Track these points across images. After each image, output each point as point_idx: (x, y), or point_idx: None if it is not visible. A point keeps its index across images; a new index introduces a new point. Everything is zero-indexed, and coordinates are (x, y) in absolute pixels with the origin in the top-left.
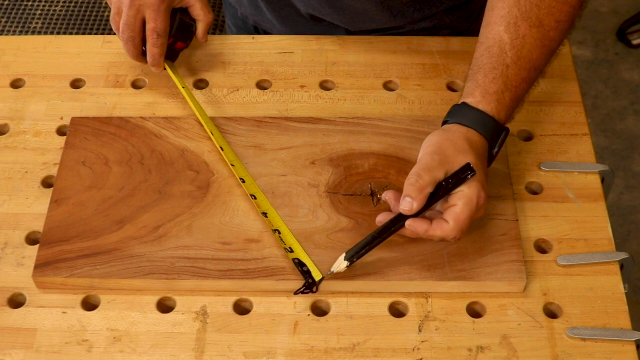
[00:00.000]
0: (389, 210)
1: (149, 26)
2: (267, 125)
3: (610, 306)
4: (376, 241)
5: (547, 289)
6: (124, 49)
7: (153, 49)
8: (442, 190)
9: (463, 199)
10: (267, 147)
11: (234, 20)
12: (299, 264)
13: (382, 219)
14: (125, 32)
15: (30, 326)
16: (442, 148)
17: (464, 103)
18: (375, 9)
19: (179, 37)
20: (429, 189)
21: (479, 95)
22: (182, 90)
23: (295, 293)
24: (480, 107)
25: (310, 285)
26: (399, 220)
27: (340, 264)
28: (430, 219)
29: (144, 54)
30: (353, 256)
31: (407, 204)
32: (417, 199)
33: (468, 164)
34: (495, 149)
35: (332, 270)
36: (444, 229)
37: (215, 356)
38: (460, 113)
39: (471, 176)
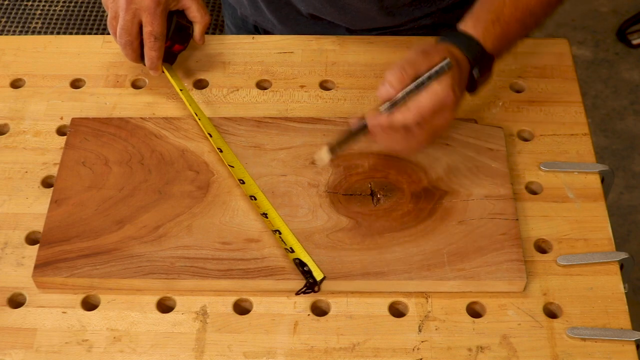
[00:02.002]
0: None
1: (146, 30)
2: (267, 125)
3: (610, 306)
4: (357, 133)
5: (547, 289)
6: (122, 53)
7: (151, 52)
8: (416, 84)
9: (429, 89)
10: (267, 148)
11: (234, 20)
12: (300, 264)
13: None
14: (123, 37)
15: (30, 326)
16: (427, 49)
17: (453, 28)
18: (376, 8)
19: (176, 39)
20: (409, 82)
21: (470, 22)
22: (179, 93)
23: (297, 293)
24: (468, 30)
25: (311, 285)
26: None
27: (324, 156)
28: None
29: (142, 57)
30: (335, 148)
31: (385, 90)
32: (396, 88)
33: (445, 57)
34: (476, 70)
35: (315, 160)
36: (404, 113)
37: (215, 356)
38: (448, 35)
39: (446, 66)
